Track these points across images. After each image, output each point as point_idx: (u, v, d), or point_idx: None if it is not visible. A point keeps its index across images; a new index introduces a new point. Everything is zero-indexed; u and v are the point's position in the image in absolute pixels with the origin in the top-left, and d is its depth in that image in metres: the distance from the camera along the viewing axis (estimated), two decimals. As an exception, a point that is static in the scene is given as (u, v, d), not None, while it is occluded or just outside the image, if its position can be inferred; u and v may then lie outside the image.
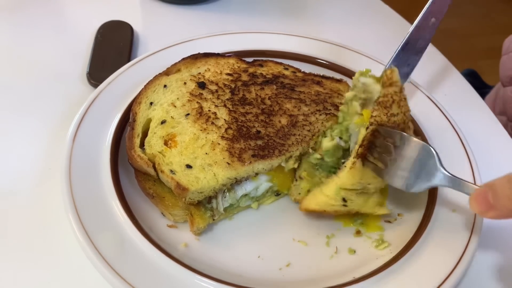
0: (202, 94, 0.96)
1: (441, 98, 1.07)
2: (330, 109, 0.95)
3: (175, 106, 0.93)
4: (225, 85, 0.98)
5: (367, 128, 0.81)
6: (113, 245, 0.76)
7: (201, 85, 0.98)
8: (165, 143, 0.87)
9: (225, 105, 0.94)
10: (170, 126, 0.90)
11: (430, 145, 0.77)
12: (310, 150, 0.89)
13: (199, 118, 0.91)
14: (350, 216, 0.89)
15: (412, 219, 0.88)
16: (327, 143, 0.88)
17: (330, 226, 0.88)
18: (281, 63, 1.07)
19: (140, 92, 0.96)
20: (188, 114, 0.91)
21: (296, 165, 0.89)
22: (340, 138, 0.89)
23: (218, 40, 1.14)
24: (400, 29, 1.37)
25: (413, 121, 0.98)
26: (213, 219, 0.85)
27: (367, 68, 0.89)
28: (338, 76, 1.09)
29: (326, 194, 0.83)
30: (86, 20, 1.27)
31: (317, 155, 0.89)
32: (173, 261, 0.75)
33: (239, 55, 1.09)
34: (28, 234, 0.83)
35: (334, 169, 0.89)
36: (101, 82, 1.00)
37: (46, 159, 0.94)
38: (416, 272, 0.77)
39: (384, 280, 0.76)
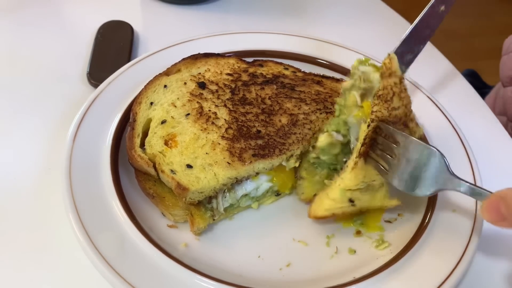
0: (202, 94, 0.96)
1: (441, 98, 1.07)
2: (330, 108, 0.95)
3: (175, 106, 0.93)
4: (225, 85, 0.98)
5: (368, 125, 0.79)
6: (113, 245, 0.76)
7: (201, 85, 0.98)
8: (166, 143, 0.87)
9: (225, 105, 0.94)
10: (171, 126, 0.90)
11: (438, 150, 0.75)
12: (311, 149, 0.89)
13: (199, 118, 0.91)
14: (350, 216, 0.89)
15: (412, 219, 0.87)
16: (321, 141, 0.86)
17: (330, 226, 0.88)
18: (281, 63, 1.07)
19: (140, 92, 0.96)
20: (188, 114, 0.91)
21: (297, 164, 0.89)
22: (338, 132, 0.86)
23: (218, 40, 1.14)
24: (400, 29, 1.37)
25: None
26: (213, 219, 0.85)
27: (366, 57, 0.87)
28: (338, 76, 1.09)
29: (332, 198, 0.82)
30: (86, 20, 1.27)
31: (313, 154, 0.88)
32: (173, 261, 0.75)
33: (239, 55, 1.09)
34: (28, 234, 0.83)
35: (333, 165, 0.88)
36: (101, 82, 1.00)
37: (46, 159, 0.94)
38: (416, 272, 0.77)
39: (384, 280, 0.76)
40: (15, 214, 0.85)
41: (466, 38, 3.45)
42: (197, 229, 0.83)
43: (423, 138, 0.97)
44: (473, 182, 0.90)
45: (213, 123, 0.90)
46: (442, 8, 0.90)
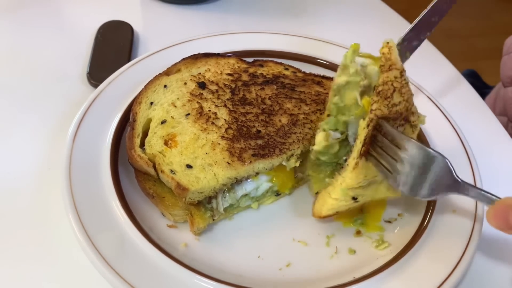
0: (202, 94, 0.96)
1: (441, 98, 1.07)
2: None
3: (175, 106, 0.93)
4: (225, 85, 0.98)
5: (368, 124, 0.76)
6: (113, 245, 0.76)
7: (202, 85, 0.98)
8: (165, 143, 0.87)
9: (225, 105, 0.94)
10: (170, 126, 0.90)
11: (444, 156, 0.73)
12: (311, 148, 0.88)
13: (199, 118, 0.91)
14: (350, 216, 0.89)
15: (412, 219, 0.87)
16: (318, 144, 0.84)
17: (330, 226, 0.88)
18: (281, 63, 1.07)
19: (140, 92, 0.96)
20: (188, 114, 0.91)
21: (297, 164, 0.89)
22: (335, 130, 0.84)
23: (218, 40, 1.14)
24: (400, 29, 1.37)
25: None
26: (213, 219, 0.85)
27: (355, 43, 0.81)
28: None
29: (335, 197, 0.81)
30: (86, 20, 1.27)
31: (312, 156, 0.87)
32: (173, 261, 0.75)
33: (240, 55, 1.09)
34: (28, 234, 0.83)
35: (336, 163, 0.87)
36: (101, 82, 1.00)
37: (46, 159, 0.94)
38: (416, 272, 0.77)
39: (384, 280, 0.76)
40: (15, 213, 0.85)
41: (466, 38, 3.45)
42: (197, 229, 0.83)
43: (423, 141, 0.97)
44: (473, 182, 0.90)
45: (213, 123, 0.90)
46: None
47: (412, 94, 0.78)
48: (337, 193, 0.80)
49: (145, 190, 0.86)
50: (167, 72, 1.00)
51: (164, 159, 0.84)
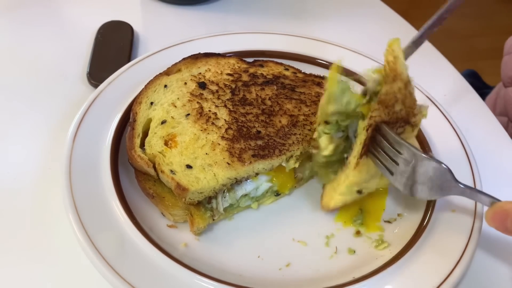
0: (202, 94, 0.96)
1: (441, 98, 1.07)
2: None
3: (175, 106, 0.93)
4: (225, 85, 0.98)
5: (367, 129, 0.77)
6: (113, 245, 0.76)
7: (202, 85, 0.98)
8: (166, 143, 0.87)
9: (225, 105, 0.94)
10: (171, 126, 0.90)
11: (444, 164, 0.74)
12: (312, 150, 0.88)
13: (199, 118, 0.91)
14: (350, 217, 0.89)
15: (411, 219, 0.88)
16: (327, 149, 0.84)
17: (330, 226, 0.89)
18: (281, 64, 1.07)
19: (140, 91, 0.96)
20: (188, 114, 0.92)
21: (297, 165, 0.89)
22: (338, 131, 0.84)
23: (218, 41, 1.14)
24: (400, 29, 1.38)
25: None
26: (213, 219, 0.85)
27: (334, 63, 0.78)
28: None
29: (340, 193, 0.83)
30: (86, 20, 1.27)
31: (322, 159, 0.86)
32: (173, 261, 0.75)
33: (240, 55, 1.09)
34: (28, 234, 0.83)
35: (341, 156, 0.87)
36: (101, 82, 1.00)
37: (46, 159, 0.94)
38: (416, 272, 0.77)
39: (384, 280, 0.76)
40: (15, 213, 0.85)
41: (466, 38, 3.45)
42: (197, 229, 0.83)
43: (423, 141, 0.97)
44: (472, 183, 0.90)
45: (213, 123, 0.90)
46: None
47: (416, 102, 0.76)
48: (342, 190, 0.82)
49: (145, 190, 0.86)
50: (167, 72, 1.00)
51: (164, 159, 0.84)
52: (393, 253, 0.82)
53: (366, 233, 0.88)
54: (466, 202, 0.85)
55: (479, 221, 0.83)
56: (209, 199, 0.85)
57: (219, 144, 0.87)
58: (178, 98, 0.94)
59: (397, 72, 0.72)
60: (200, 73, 1.01)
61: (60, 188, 0.81)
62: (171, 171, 0.82)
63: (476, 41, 3.43)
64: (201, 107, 0.93)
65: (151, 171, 0.84)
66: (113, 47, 1.18)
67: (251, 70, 1.03)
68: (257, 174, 0.86)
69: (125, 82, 1.00)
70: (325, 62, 1.13)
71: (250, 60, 1.07)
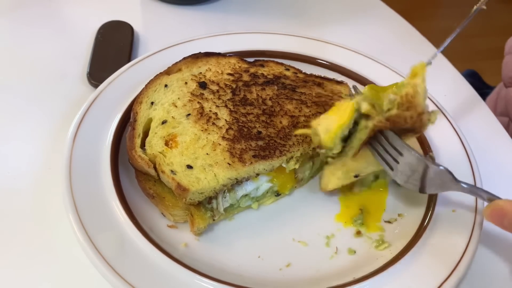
0: (203, 94, 0.96)
1: (442, 98, 1.07)
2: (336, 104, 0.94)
3: (176, 106, 0.93)
4: (226, 85, 0.98)
5: (368, 132, 0.79)
6: (113, 245, 0.76)
7: (202, 85, 0.98)
8: (166, 144, 0.87)
9: (226, 106, 0.94)
10: (171, 126, 0.90)
11: (444, 167, 0.76)
12: (319, 151, 0.88)
13: (200, 118, 0.91)
14: (350, 217, 0.89)
15: (412, 220, 0.88)
16: (335, 149, 0.84)
17: (330, 227, 0.88)
18: (282, 64, 1.07)
19: (141, 91, 0.96)
20: (189, 114, 0.91)
21: (297, 166, 0.89)
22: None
23: (218, 41, 1.14)
24: (400, 29, 1.38)
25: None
26: (213, 219, 0.85)
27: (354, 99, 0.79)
28: (338, 76, 1.09)
29: (338, 177, 0.85)
30: (87, 20, 1.27)
31: (329, 153, 0.86)
32: (173, 261, 0.75)
33: (240, 55, 1.09)
34: (28, 234, 0.83)
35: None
36: (101, 82, 1.00)
37: (46, 159, 0.94)
38: (417, 272, 0.77)
39: (384, 281, 0.76)
40: (15, 213, 0.85)
41: (466, 38, 3.44)
42: (197, 229, 0.83)
43: (423, 141, 0.97)
44: (472, 182, 0.90)
45: (213, 123, 0.90)
46: None
47: (426, 124, 0.76)
48: (339, 175, 0.84)
49: (145, 190, 0.86)
50: (168, 72, 1.00)
51: (164, 160, 0.84)
52: (393, 253, 0.82)
53: (366, 233, 0.88)
54: (466, 201, 0.85)
55: (480, 224, 0.83)
56: (209, 199, 0.85)
57: (219, 144, 0.86)
58: (178, 98, 0.94)
59: (413, 104, 0.73)
60: (201, 72, 1.01)
61: (60, 188, 0.81)
62: (172, 171, 0.82)
63: (476, 41, 3.43)
64: (202, 107, 0.93)
65: (152, 171, 0.84)
66: (113, 47, 1.18)
67: (252, 70, 1.03)
68: (257, 174, 0.86)
69: (125, 82, 1.00)
70: (325, 62, 1.13)
71: (251, 60, 1.07)
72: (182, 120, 0.90)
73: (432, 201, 0.87)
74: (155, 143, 0.87)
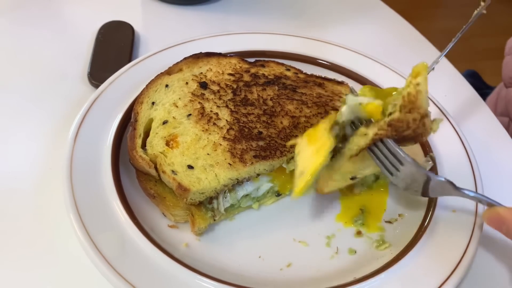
0: (204, 94, 0.96)
1: (442, 99, 1.07)
2: (331, 113, 0.95)
3: (177, 106, 0.93)
4: (227, 85, 0.99)
5: (368, 141, 0.77)
6: (114, 245, 0.76)
7: (203, 85, 0.98)
8: (167, 144, 0.87)
9: (227, 106, 0.94)
10: (172, 127, 0.90)
11: (445, 179, 0.76)
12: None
13: (201, 118, 0.91)
14: (351, 217, 0.89)
15: (412, 220, 0.88)
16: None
17: (330, 227, 0.89)
18: (283, 64, 1.07)
19: (142, 91, 0.96)
20: (190, 114, 0.92)
21: (297, 166, 0.89)
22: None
23: (219, 41, 1.14)
24: (400, 29, 1.38)
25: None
26: (214, 220, 0.85)
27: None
28: (338, 76, 1.09)
29: (335, 179, 0.84)
30: (87, 21, 1.27)
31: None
32: (174, 261, 0.75)
33: (241, 55, 1.09)
34: (29, 234, 0.83)
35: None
36: (102, 82, 1.00)
37: (47, 159, 0.94)
38: (417, 272, 0.78)
39: (384, 281, 0.76)
40: (16, 213, 0.85)
41: (467, 39, 3.44)
42: (198, 229, 0.83)
43: (424, 143, 0.97)
44: (473, 183, 0.90)
45: (214, 124, 0.90)
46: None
47: (429, 131, 0.75)
48: (336, 177, 0.83)
49: (146, 190, 0.86)
50: (169, 72, 1.00)
51: (165, 160, 0.84)
52: (394, 253, 0.82)
53: (367, 233, 0.88)
54: (467, 202, 0.85)
55: (480, 222, 0.83)
56: (210, 200, 0.85)
57: (220, 144, 0.87)
58: (179, 98, 0.94)
59: (416, 105, 0.71)
60: (202, 72, 1.01)
61: (61, 188, 0.81)
62: (173, 171, 0.82)
63: (476, 41, 3.43)
64: (203, 108, 0.93)
65: (153, 171, 0.84)
66: (114, 47, 1.18)
67: (253, 70, 1.03)
68: (258, 174, 0.86)
69: (126, 82, 1.00)
70: (326, 63, 1.14)
71: (252, 60, 1.07)
72: (183, 120, 0.91)
73: (432, 201, 0.87)
74: (156, 143, 0.87)
